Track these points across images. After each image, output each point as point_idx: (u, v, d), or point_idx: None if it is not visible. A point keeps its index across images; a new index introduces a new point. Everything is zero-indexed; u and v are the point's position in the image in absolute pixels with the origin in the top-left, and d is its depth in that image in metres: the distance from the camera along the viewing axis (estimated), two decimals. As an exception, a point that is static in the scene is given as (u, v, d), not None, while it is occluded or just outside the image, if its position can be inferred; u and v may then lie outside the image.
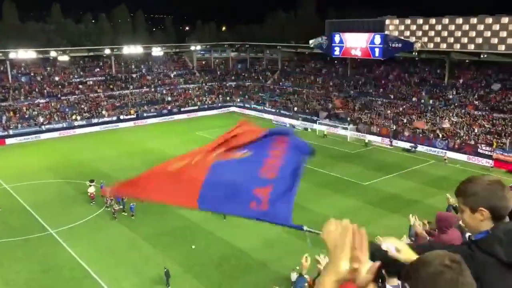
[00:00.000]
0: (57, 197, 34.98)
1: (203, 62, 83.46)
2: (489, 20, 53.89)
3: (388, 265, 2.36)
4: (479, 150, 45.05)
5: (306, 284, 6.82)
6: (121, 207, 32.08)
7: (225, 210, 3.19)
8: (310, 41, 67.21)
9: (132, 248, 26.88)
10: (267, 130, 3.28)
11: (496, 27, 53.23)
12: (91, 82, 67.76)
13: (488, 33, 53.95)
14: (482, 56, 54.13)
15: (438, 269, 1.71)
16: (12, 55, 61.90)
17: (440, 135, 48.97)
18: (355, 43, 61.02)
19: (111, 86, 68.17)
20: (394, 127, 53.24)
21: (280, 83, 74.32)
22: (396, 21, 62.61)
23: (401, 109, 56.80)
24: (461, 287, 1.69)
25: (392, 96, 59.54)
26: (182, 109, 68.67)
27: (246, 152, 3.29)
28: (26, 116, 57.81)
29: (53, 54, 66.63)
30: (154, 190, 3.36)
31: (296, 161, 3.09)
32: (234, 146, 3.40)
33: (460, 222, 5.67)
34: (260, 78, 78.62)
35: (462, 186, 2.52)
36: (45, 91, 62.99)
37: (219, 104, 73.25)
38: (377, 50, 58.75)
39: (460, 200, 2.52)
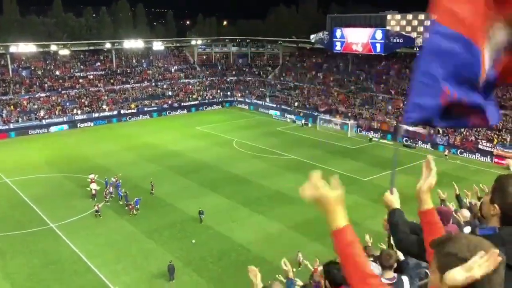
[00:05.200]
0: (57, 191, 35.05)
1: (204, 57, 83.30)
2: (491, 15, 53.73)
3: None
4: (479, 146, 45.04)
5: (296, 286, 6.88)
6: (121, 202, 32.20)
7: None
8: (312, 36, 67.09)
9: (132, 242, 26.96)
10: None
11: (498, 22, 53.06)
12: (91, 76, 67.67)
13: (489, 29, 53.76)
14: (483, 52, 54.00)
15: None
16: (13, 48, 61.81)
17: (441, 131, 48.93)
18: (357, 38, 60.88)
19: (111, 81, 68.08)
20: (395, 123, 53.22)
21: (281, 78, 74.25)
22: (398, 16, 62.48)
23: (401, 104, 56.72)
24: (490, 284, 1.69)
25: (393, 92, 59.46)
26: (182, 104, 68.61)
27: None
28: (27, 110, 57.82)
29: (53, 48, 66.50)
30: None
31: None
32: None
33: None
34: (261, 73, 78.51)
35: (504, 178, 2.57)
36: (46, 85, 62.92)
37: (220, 99, 73.18)
38: (378, 45, 58.62)
39: (492, 186, 2.61)
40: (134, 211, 30.43)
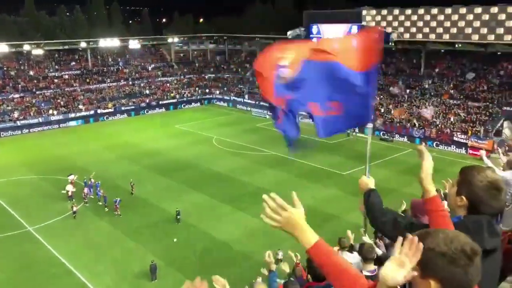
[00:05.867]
0: (34, 193, 34.43)
1: (181, 55, 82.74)
2: (463, 10, 54.87)
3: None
4: (454, 138, 46.01)
5: (277, 279, 6.99)
6: (100, 203, 31.86)
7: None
8: (288, 33, 67.19)
9: (113, 243, 26.71)
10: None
11: (470, 17, 54.25)
12: (67, 76, 66.51)
13: (462, 23, 54.94)
14: (456, 46, 55.11)
15: (455, 253, 1.75)
16: (-16, 49, 60.29)
17: (417, 124, 49.79)
18: (333, 34, 61.23)
19: (87, 80, 67.05)
20: (372, 117, 53.82)
21: (259, 75, 74.12)
22: (373, 12, 63.15)
23: (378, 99, 57.46)
24: (470, 278, 1.76)
25: (369, 86, 60.10)
26: (160, 102, 68.08)
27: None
28: (0, 112, 56.49)
29: (26, 47, 65.06)
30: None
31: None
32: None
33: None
34: (239, 70, 78.38)
35: (467, 170, 2.68)
36: (20, 86, 61.59)
37: (198, 97, 72.86)
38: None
39: (457, 178, 2.72)
40: (119, 211, 30.12)
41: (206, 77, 77.99)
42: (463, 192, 2.60)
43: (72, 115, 59.76)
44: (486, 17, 53.44)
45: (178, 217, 28.82)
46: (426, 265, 1.79)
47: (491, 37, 52.80)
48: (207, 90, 74.39)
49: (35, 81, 63.47)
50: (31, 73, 64.62)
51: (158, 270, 22.87)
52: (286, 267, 8.04)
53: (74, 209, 29.99)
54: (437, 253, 1.77)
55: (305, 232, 2.15)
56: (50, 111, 58.81)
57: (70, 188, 32.61)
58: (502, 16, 52.79)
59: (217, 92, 73.97)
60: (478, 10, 53.54)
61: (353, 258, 6.45)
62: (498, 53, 53.86)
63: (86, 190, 32.62)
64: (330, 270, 2.06)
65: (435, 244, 1.79)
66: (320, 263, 2.09)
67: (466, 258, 1.75)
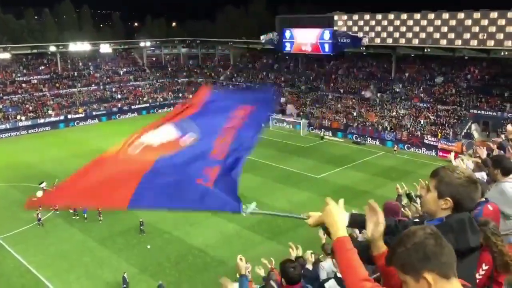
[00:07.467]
0: (2, 201, 33.37)
1: (154, 59, 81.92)
2: (431, 15, 56.35)
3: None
4: (425, 140, 47.00)
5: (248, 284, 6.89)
6: (71, 210, 31.13)
7: (163, 204, 3.14)
8: (261, 37, 67.50)
9: (85, 251, 26.12)
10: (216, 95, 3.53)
11: (438, 22, 55.76)
12: (35, 81, 64.92)
13: (430, 28, 56.39)
14: (425, 50, 56.43)
15: (423, 237, 1.89)
16: None
17: (388, 127, 50.66)
18: (305, 38, 61.86)
19: (57, 85, 65.60)
20: (345, 121, 54.56)
21: (233, 79, 74.29)
22: (344, 17, 64.16)
23: (350, 102, 58.25)
24: (446, 248, 1.88)
25: (342, 91, 60.92)
26: (132, 107, 67.18)
27: (193, 137, 3.29)
28: (-35, 118, 54.70)
29: (-8, 51, 63.27)
30: (83, 195, 3.20)
31: (249, 137, 3.35)
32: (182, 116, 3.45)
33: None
34: (213, 74, 78.22)
35: (442, 172, 2.63)
36: (-15, 90, 59.79)
37: (171, 101, 72.25)
38: (326, 45, 59.83)
39: (433, 182, 2.64)
40: (101, 216, 29.57)
41: (179, 81, 77.48)
42: (446, 194, 2.56)
43: (41, 120, 58.32)
44: (453, 22, 55.01)
45: (142, 227, 28.00)
46: (412, 266, 1.87)
47: (459, 42, 54.36)
48: (180, 95, 73.87)
49: (2, 85, 61.68)
50: (-2, 77, 62.84)
51: (132, 278, 22.43)
52: (261, 271, 7.97)
53: (39, 216, 29.20)
54: (411, 250, 1.87)
55: (335, 227, 2.44)
56: (18, 117, 57.24)
57: (40, 194, 31.74)
58: (468, 22, 54.49)
59: (190, 96, 73.46)
60: (446, 15, 55.06)
61: (332, 265, 6.42)
62: (466, 58, 55.41)
63: None
64: (343, 264, 2.25)
65: (404, 245, 1.91)
66: (337, 256, 2.30)
67: (433, 237, 1.88)
